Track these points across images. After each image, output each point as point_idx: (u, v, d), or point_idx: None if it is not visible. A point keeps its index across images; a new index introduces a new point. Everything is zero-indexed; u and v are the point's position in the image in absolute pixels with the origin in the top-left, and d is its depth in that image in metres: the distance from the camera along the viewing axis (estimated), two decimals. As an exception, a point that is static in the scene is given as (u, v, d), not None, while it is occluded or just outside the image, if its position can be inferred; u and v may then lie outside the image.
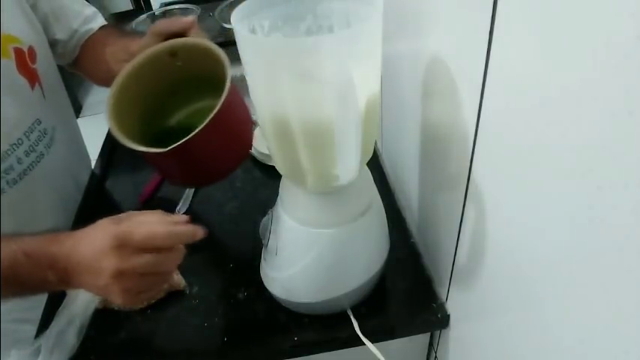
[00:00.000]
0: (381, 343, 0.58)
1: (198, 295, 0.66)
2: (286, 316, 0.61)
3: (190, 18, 0.63)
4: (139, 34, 0.65)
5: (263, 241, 0.60)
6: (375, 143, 0.53)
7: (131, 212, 0.48)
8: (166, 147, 0.52)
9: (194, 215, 0.80)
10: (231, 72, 0.55)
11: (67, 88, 0.79)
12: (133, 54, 0.62)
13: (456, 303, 0.58)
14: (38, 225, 0.68)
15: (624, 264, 0.26)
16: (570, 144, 0.29)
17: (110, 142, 0.97)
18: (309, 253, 0.54)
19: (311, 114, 0.42)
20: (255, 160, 0.88)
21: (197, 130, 0.52)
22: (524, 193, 0.37)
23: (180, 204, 0.81)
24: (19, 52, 0.63)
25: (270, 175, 0.85)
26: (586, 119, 0.28)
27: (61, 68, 0.77)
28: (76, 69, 0.78)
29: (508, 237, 0.41)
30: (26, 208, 0.65)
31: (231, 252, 0.73)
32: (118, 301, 0.46)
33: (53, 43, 0.73)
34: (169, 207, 0.81)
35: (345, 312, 0.60)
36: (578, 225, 0.30)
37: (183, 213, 0.80)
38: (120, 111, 0.59)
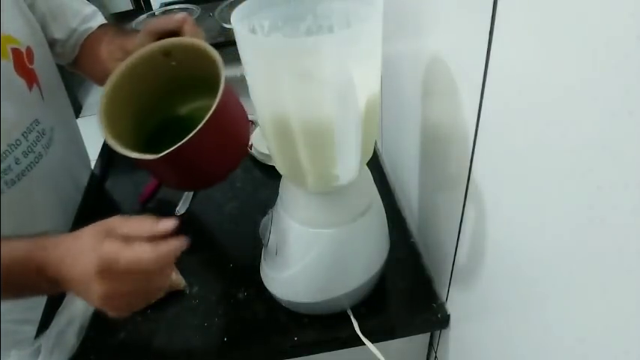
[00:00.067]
0: (381, 343, 0.58)
1: (198, 295, 0.66)
2: (286, 316, 0.61)
3: (182, 15, 0.62)
4: (137, 32, 0.64)
5: (263, 241, 0.60)
6: (375, 143, 0.53)
7: (117, 221, 0.45)
8: (163, 147, 0.52)
9: (194, 215, 0.81)
10: (224, 73, 0.54)
11: (67, 88, 0.79)
12: (129, 53, 0.61)
13: (456, 303, 0.58)
14: (37, 226, 0.68)
15: (624, 264, 0.26)
16: (570, 144, 0.29)
17: (110, 142, 0.97)
18: (309, 253, 0.54)
19: (311, 114, 0.42)
20: (255, 160, 0.88)
21: (191, 135, 0.51)
22: (524, 193, 0.37)
23: (180, 204, 0.81)
24: (16, 52, 0.62)
25: (270, 175, 0.85)
26: (586, 119, 0.28)
27: (61, 68, 0.77)
28: (76, 68, 0.78)
29: (508, 237, 0.41)
30: (25, 209, 0.65)
31: (231, 252, 0.73)
32: (111, 315, 0.45)
33: (52, 43, 0.73)
34: (169, 207, 0.81)
35: (345, 312, 0.60)
36: (578, 225, 0.30)
37: (183, 213, 0.80)
38: (113, 112, 0.58)
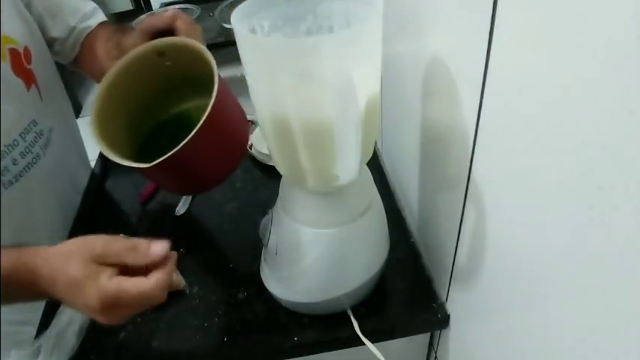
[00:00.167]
0: (381, 343, 0.58)
1: (198, 295, 0.66)
2: (286, 316, 0.61)
3: (172, 11, 0.61)
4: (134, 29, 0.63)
5: (263, 241, 0.60)
6: (375, 143, 0.53)
7: (102, 244, 0.44)
8: (160, 149, 0.51)
9: (194, 216, 0.81)
10: (218, 74, 0.53)
11: (66, 88, 0.79)
12: (125, 51, 0.61)
13: (456, 303, 0.58)
14: (36, 227, 0.68)
15: (624, 264, 0.26)
16: (570, 144, 0.29)
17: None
18: (309, 253, 0.54)
19: (311, 114, 0.42)
20: (255, 160, 0.88)
21: (184, 142, 0.50)
22: (524, 193, 0.37)
23: (180, 204, 0.81)
24: (14, 52, 0.62)
25: (270, 175, 0.85)
26: (586, 119, 0.28)
27: (61, 68, 0.77)
28: (77, 67, 0.77)
29: (508, 237, 0.41)
30: (23, 210, 0.64)
31: (231, 252, 0.73)
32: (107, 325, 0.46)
33: (51, 42, 0.72)
34: (169, 207, 0.81)
35: (345, 312, 0.60)
36: (578, 225, 0.30)
37: (183, 214, 0.80)
38: (107, 115, 0.58)
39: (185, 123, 0.53)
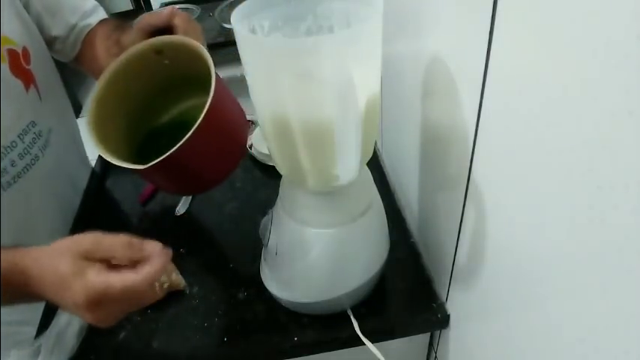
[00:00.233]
0: (381, 343, 0.58)
1: (198, 295, 0.66)
2: (286, 316, 0.61)
3: (169, 9, 0.60)
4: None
5: (263, 241, 0.60)
6: (375, 143, 0.53)
7: (91, 240, 0.43)
8: (160, 149, 0.51)
9: (194, 215, 0.81)
10: (215, 73, 0.53)
11: (66, 88, 0.79)
12: (125, 49, 0.61)
13: (455, 303, 0.58)
14: (35, 228, 0.67)
15: (624, 264, 0.26)
16: (570, 144, 0.29)
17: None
18: (309, 253, 0.54)
19: (311, 114, 0.42)
20: (255, 160, 0.88)
21: (180, 144, 0.50)
22: (524, 193, 0.37)
23: (180, 204, 0.81)
24: (12, 53, 0.62)
25: (270, 175, 0.85)
26: (586, 119, 0.28)
27: (61, 68, 0.77)
28: (79, 65, 0.76)
29: (508, 237, 0.41)
30: (22, 212, 0.64)
31: (231, 252, 0.73)
32: (105, 327, 0.45)
33: (51, 41, 0.72)
34: (169, 208, 0.81)
35: (345, 312, 0.60)
36: (578, 225, 0.30)
37: (183, 213, 0.80)
38: (105, 114, 0.58)
39: (184, 122, 0.53)
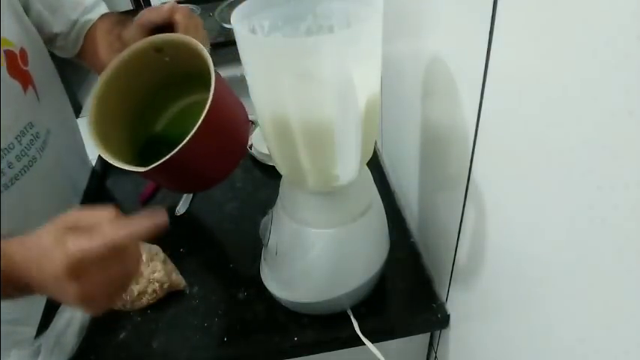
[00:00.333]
0: (381, 343, 0.58)
1: (198, 295, 0.66)
2: (286, 316, 0.61)
3: (169, 5, 0.59)
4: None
5: (263, 241, 0.60)
6: (375, 143, 0.53)
7: (75, 213, 0.42)
8: (159, 146, 0.51)
9: (194, 215, 0.81)
10: (215, 72, 0.52)
11: (66, 88, 0.78)
12: (126, 44, 0.60)
13: (455, 303, 0.58)
14: (34, 229, 0.67)
15: (624, 264, 0.26)
16: (570, 144, 0.29)
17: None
18: (309, 253, 0.54)
19: (311, 114, 0.42)
20: (255, 160, 0.88)
21: (181, 145, 0.50)
22: (524, 193, 0.37)
23: (180, 204, 0.81)
24: (10, 54, 0.62)
25: (270, 175, 0.85)
26: (586, 119, 0.28)
27: (60, 68, 0.76)
28: (81, 60, 0.76)
29: (508, 237, 0.41)
30: (20, 214, 0.64)
31: (231, 252, 0.73)
32: (92, 312, 0.43)
33: (53, 38, 0.72)
34: (169, 208, 0.81)
35: (345, 312, 0.60)
36: (578, 225, 0.30)
37: (183, 213, 0.80)
38: (105, 112, 0.58)
39: (186, 119, 0.53)
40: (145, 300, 0.63)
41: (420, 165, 0.64)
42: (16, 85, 0.62)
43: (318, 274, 0.55)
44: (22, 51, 0.64)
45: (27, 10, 0.68)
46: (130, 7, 2.76)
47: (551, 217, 0.33)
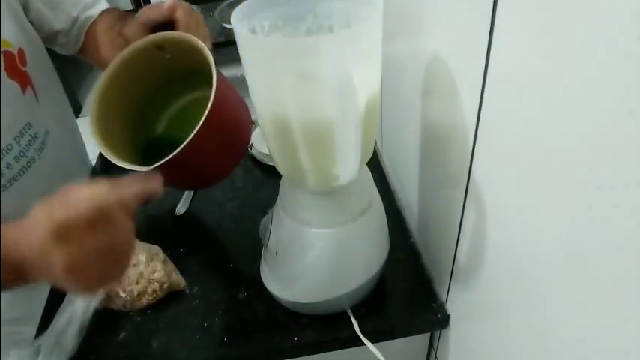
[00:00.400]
0: (381, 343, 0.58)
1: (198, 295, 0.66)
2: (286, 316, 0.61)
3: (171, 2, 0.59)
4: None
5: (263, 241, 0.60)
6: (375, 143, 0.53)
7: (69, 188, 0.40)
8: (161, 142, 0.51)
9: (194, 215, 0.81)
10: (216, 70, 0.52)
11: (66, 88, 0.78)
12: (127, 40, 0.60)
13: (455, 303, 0.58)
14: None
15: (624, 264, 0.26)
16: (570, 144, 0.29)
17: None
18: (309, 253, 0.54)
19: (311, 114, 0.42)
20: (255, 160, 0.88)
21: (183, 145, 0.50)
22: (524, 193, 0.37)
23: (180, 204, 0.81)
24: (8, 55, 0.61)
25: (270, 175, 0.85)
26: (586, 119, 0.28)
27: (60, 68, 0.76)
28: (84, 57, 0.76)
29: (508, 237, 0.41)
30: (20, 214, 0.64)
31: (231, 252, 0.73)
32: (84, 291, 0.39)
33: (53, 36, 0.71)
34: (169, 207, 0.81)
35: (345, 312, 0.60)
36: (578, 225, 0.30)
37: (183, 213, 0.80)
38: (107, 110, 0.58)
39: (188, 115, 0.53)
40: (145, 300, 0.63)
41: (420, 165, 0.64)
42: (15, 85, 0.62)
43: (318, 274, 0.55)
44: (21, 51, 0.64)
45: (26, 8, 0.68)
46: (130, 7, 2.76)
47: (551, 217, 0.33)
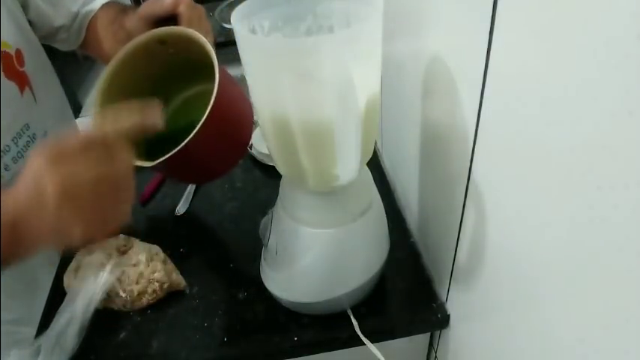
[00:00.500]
0: (381, 343, 0.58)
1: (198, 295, 0.66)
2: (286, 316, 0.61)
3: None
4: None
5: (263, 241, 0.60)
6: (375, 143, 0.53)
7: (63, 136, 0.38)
8: (164, 137, 0.51)
9: (194, 215, 0.81)
10: (218, 66, 0.52)
11: (66, 88, 0.78)
12: (129, 34, 0.60)
13: (455, 303, 0.58)
14: None
15: (624, 264, 0.26)
16: (570, 144, 0.29)
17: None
18: (309, 253, 0.54)
19: (311, 114, 0.42)
20: (255, 160, 0.88)
21: (186, 141, 0.50)
22: (524, 193, 0.37)
23: (180, 204, 0.81)
24: (5, 56, 0.61)
25: (270, 175, 0.85)
26: (586, 119, 0.28)
27: (60, 68, 0.76)
28: (86, 51, 0.75)
29: (508, 237, 0.41)
30: None
31: (231, 252, 0.73)
32: (87, 234, 0.37)
33: (54, 32, 0.71)
34: (169, 208, 0.81)
35: (345, 312, 0.60)
36: (578, 225, 0.30)
37: (183, 213, 0.80)
38: (110, 104, 0.57)
39: (191, 110, 0.53)
40: (145, 300, 0.63)
41: (420, 165, 0.64)
42: (13, 86, 0.62)
43: (318, 274, 0.55)
44: (18, 52, 0.64)
45: (25, 6, 0.67)
46: (127, 1, 2.75)
47: (551, 217, 0.33)
